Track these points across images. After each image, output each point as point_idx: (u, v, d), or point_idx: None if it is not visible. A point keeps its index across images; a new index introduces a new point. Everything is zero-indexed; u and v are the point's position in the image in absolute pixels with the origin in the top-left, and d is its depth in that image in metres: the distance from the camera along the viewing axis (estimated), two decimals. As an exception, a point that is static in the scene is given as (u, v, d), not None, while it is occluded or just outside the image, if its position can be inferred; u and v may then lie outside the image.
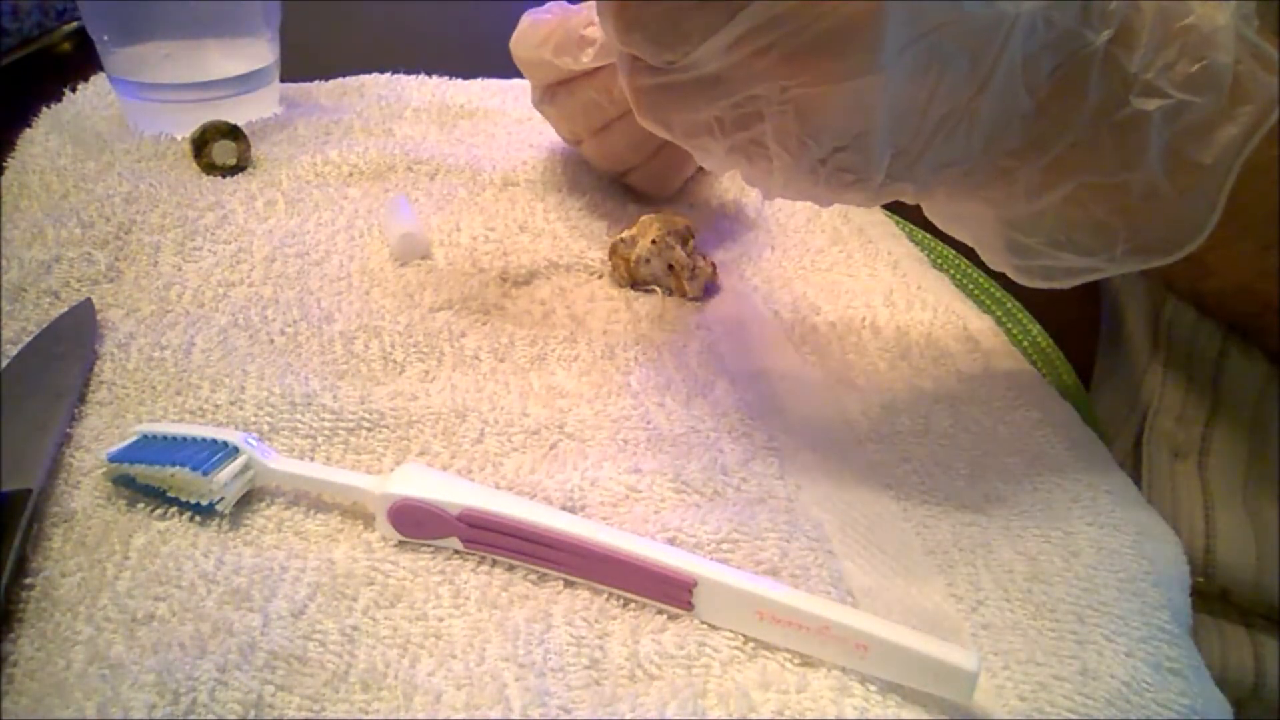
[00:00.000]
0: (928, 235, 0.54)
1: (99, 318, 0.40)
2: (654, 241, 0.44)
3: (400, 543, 0.31)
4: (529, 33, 0.45)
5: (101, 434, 0.35)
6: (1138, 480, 0.45)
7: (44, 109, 0.58)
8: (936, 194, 0.32)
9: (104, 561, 0.30)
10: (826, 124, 0.28)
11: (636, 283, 0.45)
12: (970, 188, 0.31)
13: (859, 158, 0.28)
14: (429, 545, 0.31)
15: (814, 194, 0.30)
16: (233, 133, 0.52)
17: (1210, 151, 0.29)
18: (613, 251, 0.45)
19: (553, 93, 0.48)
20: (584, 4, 0.44)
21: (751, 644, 0.28)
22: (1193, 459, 0.43)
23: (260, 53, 0.58)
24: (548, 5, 0.45)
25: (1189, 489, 0.43)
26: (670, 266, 0.44)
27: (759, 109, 0.28)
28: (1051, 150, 0.30)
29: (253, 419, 0.35)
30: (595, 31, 0.41)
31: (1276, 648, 0.41)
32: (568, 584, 0.30)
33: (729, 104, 0.28)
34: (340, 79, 0.67)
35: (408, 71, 0.67)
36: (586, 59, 0.42)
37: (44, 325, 0.39)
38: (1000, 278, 0.50)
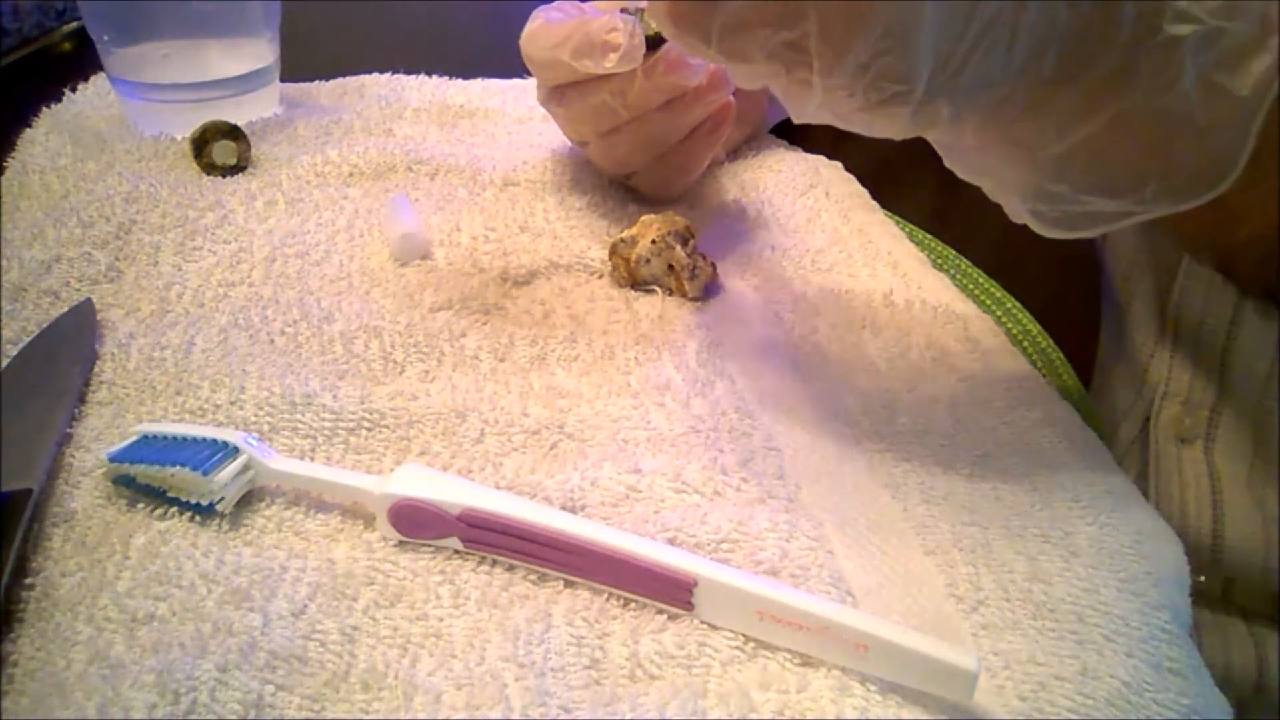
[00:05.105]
0: (927, 235, 0.54)
1: (99, 318, 0.40)
2: (654, 241, 0.44)
3: (400, 543, 0.31)
4: (542, 33, 0.44)
5: (101, 434, 0.35)
6: (1144, 466, 0.45)
7: (44, 109, 0.58)
8: (967, 127, 0.31)
9: (104, 561, 0.30)
10: (875, 9, 0.27)
11: (636, 283, 0.45)
12: (1002, 122, 0.31)
13: (903, 62, 0.28)
14: (429, 545, 0.31)
15: (849, 110, 0.30)
16: (233, 133, 0.52)
17: (1245, 81, 0.29)
18: (613, 251, 0.45)
19: (562, 93, 0.47)
20: (598, 5, 0.43)
21: (751, 644, 0.28)
22: (1200, 444, 0.43)
23: (260, 53, 0.58)
24: (557, 4, 0.44)
25: (1196, 475, 0.43)
26: (670, 266, 0.44)
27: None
28: (1087, 76, 0.29)
29: (253, 419, 0.35)
30: (618, 37, 0.41)
31: (1279, 646, 0.41)
32: (568, 584, 0.30)
33: None
34: (340, 79, 0.67)
35: (408, 71, 0.67)
36: (609, 64, 0.41)
37: (44, 325, 0.39)
38: (1000, 277, 0.51)
